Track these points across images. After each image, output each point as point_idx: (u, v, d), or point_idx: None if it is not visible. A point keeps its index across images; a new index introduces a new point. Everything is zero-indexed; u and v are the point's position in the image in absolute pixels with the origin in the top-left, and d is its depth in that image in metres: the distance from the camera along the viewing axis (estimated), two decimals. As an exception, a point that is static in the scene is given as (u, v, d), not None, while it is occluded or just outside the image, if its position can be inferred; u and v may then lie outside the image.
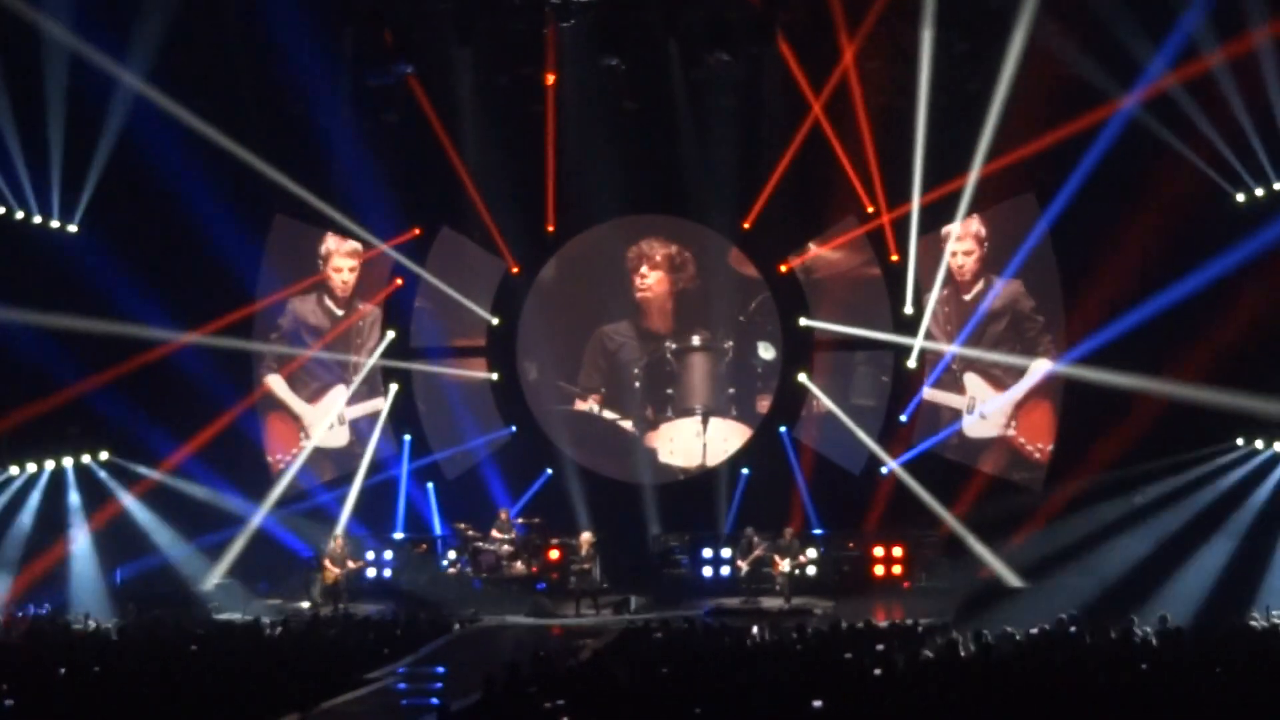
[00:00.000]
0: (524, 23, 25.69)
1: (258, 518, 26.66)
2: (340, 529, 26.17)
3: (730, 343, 28.08)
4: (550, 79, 26.54)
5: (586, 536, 25.19)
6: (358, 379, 28.34)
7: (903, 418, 27.18)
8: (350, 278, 28.42)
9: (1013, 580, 24.42)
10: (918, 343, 26.95)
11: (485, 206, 27.52)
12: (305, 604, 24.88)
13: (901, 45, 25.28)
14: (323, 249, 28.41)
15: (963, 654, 16.85)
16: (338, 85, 26.16)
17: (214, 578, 25.57)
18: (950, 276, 26.89)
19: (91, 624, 21.76)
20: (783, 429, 27.62)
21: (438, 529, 27.79)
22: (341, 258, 28.39)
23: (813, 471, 27.32)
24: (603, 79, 26.25)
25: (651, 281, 28.06)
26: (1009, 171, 25.41)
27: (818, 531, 26.19)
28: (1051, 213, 25.56)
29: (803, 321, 27.54)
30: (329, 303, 28.46)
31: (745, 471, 27.53)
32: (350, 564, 25.22)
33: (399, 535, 27.42)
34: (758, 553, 25.18)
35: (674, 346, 28.07)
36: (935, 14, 24.33)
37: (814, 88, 26.19)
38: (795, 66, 25.97)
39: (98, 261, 24.67)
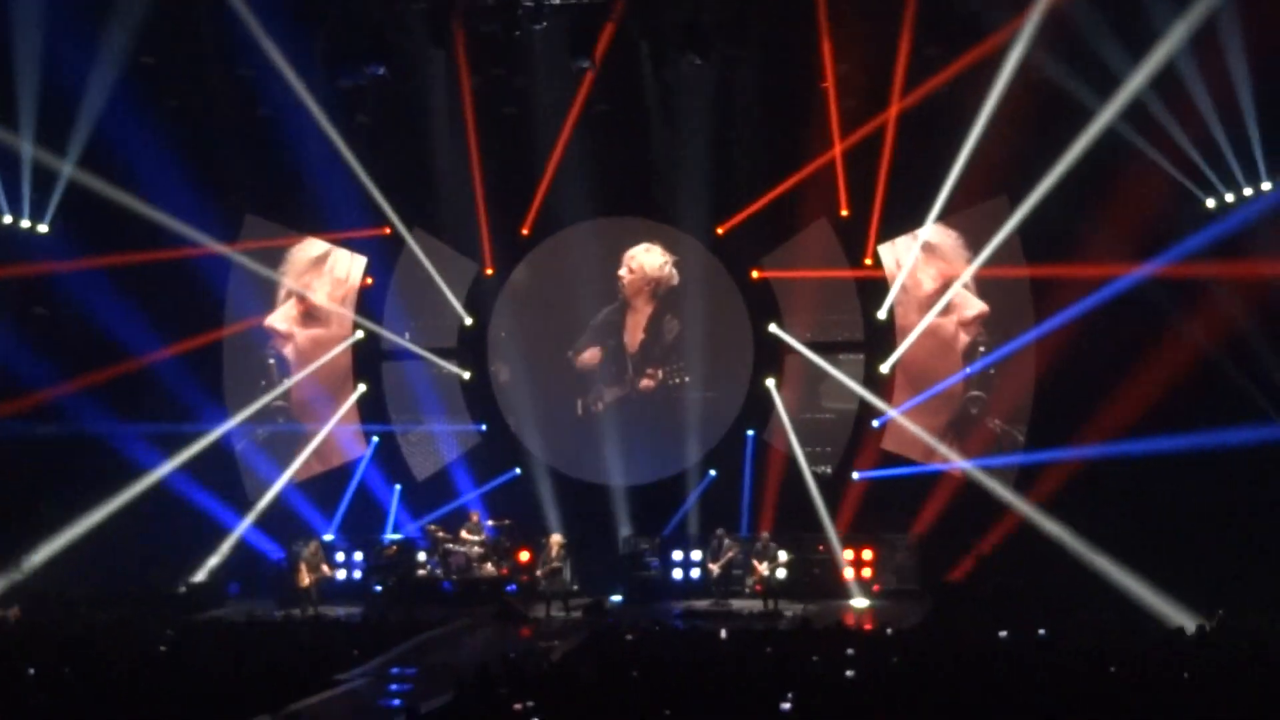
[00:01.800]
0: (497, 25, 25.60)
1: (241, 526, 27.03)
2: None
3: (687, 378, 28.12)
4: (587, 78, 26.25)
5: (556, 538, 25.19)
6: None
7: (875, 423, 27.19)
8: (322, 282, 28.39)
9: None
10: (895, 355, 27.07)
11: (458, 208, 27.53)
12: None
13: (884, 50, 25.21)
14: (293, 254, 28.39)
15: (934, 655, 16.90)
16: (309, 86, 26.06)
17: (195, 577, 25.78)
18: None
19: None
20: (750, 432, 27.64)
21: (390, 531, 27.67)
22: (311, 263, 28.40)
23: (783, 474, 27.31)
24: (574, 81, 26.28)
25: (631, 281, 28.15)
26: (982, 176, 25.42)
27: (744, 535, 26.26)
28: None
29: (772, 328, 27.57)
30: (300, 308, 28.46)
31: (712, 473, 27.57)
32: (324, 569, 25.18)
33: (330, 537, 27.11)
34: (730, 555, 25.24)
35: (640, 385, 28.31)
36: (915, 20, 24.42)
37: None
38: (830, 66, 25.82)
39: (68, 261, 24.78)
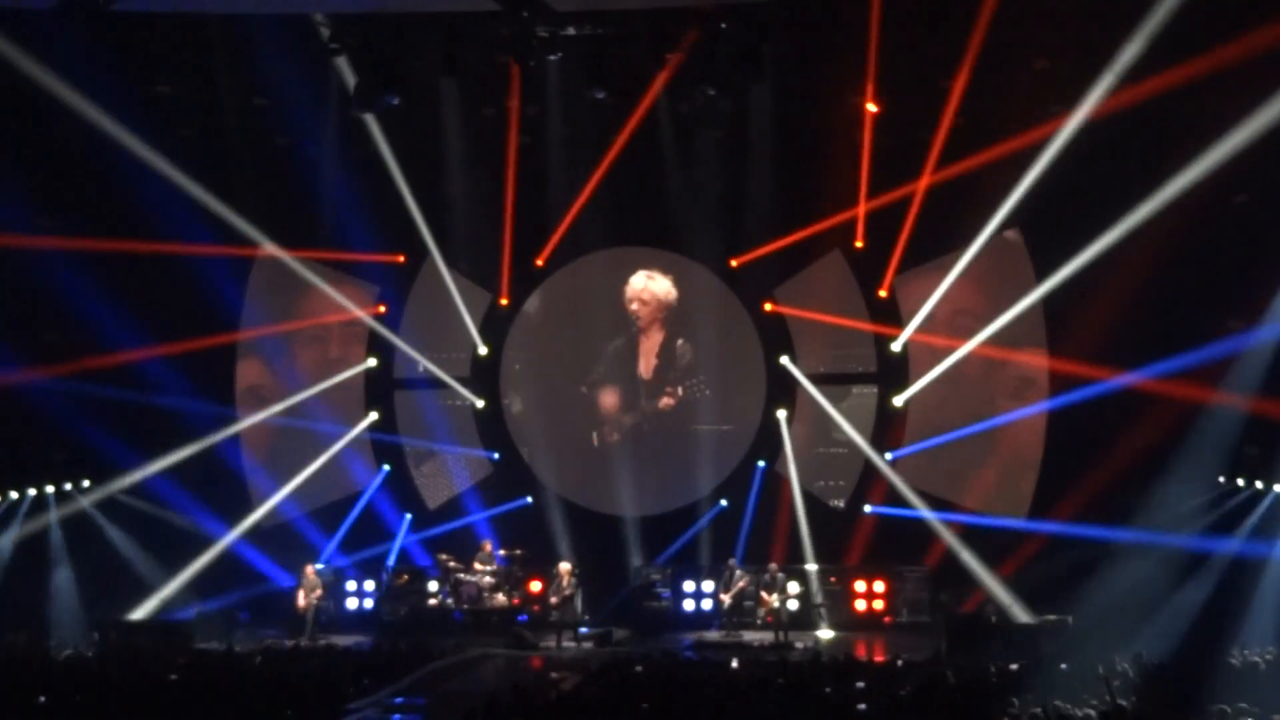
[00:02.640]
0: (511, 55, 25.59)
1: (228, 538, 26.91)
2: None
3: (708, 390, 28.12)
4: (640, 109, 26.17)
5: (565, 567, 25.10)
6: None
7: (888, 456, 27.14)
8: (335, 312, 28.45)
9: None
10: (910, 392, 27.09)
11: (470, 237, 27.54)
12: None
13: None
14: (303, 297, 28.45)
15: (945, 686, 16.84)
16: (324, 116, 26.11)
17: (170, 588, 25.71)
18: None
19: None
20: (760, 463, 27.63)
21: (392, 558, 27.61)
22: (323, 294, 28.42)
23: (793, 506, 27.20)
24: (590, 112, 26.28)
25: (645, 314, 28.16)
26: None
27: (740, 565, 26.04)
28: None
29: (783, 361, 27.60)
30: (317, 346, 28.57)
31: (723, 503, 27.54)
32: (317, 592, 25.11)
33: (321, 565, 26.72)
34: (741, 585, 25.20)
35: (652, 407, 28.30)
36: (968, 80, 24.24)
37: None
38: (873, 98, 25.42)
39: (82, 286, 24.72)
